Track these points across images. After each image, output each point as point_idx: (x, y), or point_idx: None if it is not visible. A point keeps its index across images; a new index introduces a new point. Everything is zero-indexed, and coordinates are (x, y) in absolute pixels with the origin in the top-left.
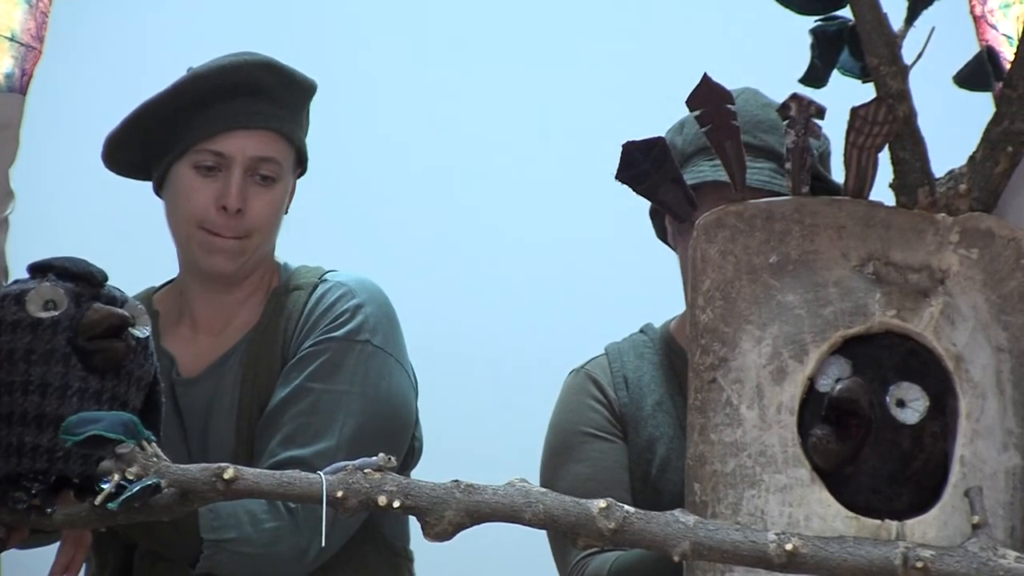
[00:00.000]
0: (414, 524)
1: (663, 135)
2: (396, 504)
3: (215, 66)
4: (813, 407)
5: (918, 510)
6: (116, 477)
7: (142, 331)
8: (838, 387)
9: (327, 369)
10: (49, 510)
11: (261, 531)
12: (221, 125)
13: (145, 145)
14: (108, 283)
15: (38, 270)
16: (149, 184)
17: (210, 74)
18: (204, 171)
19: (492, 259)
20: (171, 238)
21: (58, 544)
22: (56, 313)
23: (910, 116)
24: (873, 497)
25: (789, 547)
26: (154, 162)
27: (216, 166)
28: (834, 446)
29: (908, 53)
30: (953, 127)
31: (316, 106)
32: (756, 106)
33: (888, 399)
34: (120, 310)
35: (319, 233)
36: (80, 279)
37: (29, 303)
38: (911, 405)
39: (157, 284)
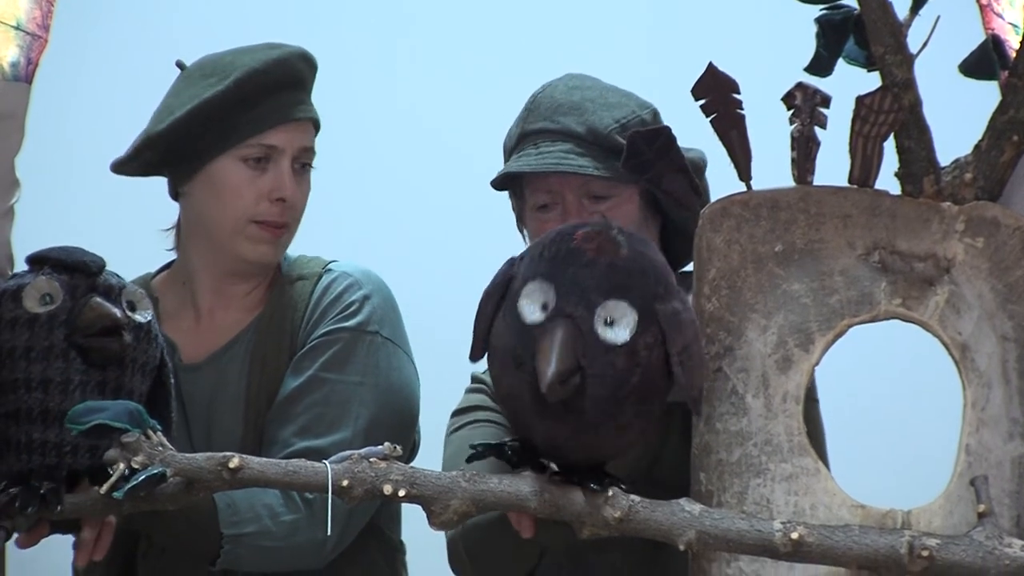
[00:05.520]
0: (406, 516)
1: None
2: (402, 493)
3: (267, 61)
4: (523, 340)
5: (645, 418)
6: (121, 466)
7: (143, 316)
8: (546, 381)
9: (339, 360)
10: (59, 508)
11: (280, 524)
12: (274, 120)
13: (181, 144)
14: (105, 269)
15: (35, 262)
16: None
17: (265, 70)
18: (252, 164)
19: (498, 248)
20: (184, 229)
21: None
22: (52, 307)
23: (915, 105)
24: (602, 419)
25: (795, 536)
26: (185, 160)
27: (264, 158)
28: (565, 389)
29: (913, 42)
30: (958, 116)
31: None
32: (563, 91)
33: (597, 322)
34: (114, 311)
35: (323, 224)
36: (75, 270)
37: (26, 299)
38: (620, 323)
39: (153, 270)
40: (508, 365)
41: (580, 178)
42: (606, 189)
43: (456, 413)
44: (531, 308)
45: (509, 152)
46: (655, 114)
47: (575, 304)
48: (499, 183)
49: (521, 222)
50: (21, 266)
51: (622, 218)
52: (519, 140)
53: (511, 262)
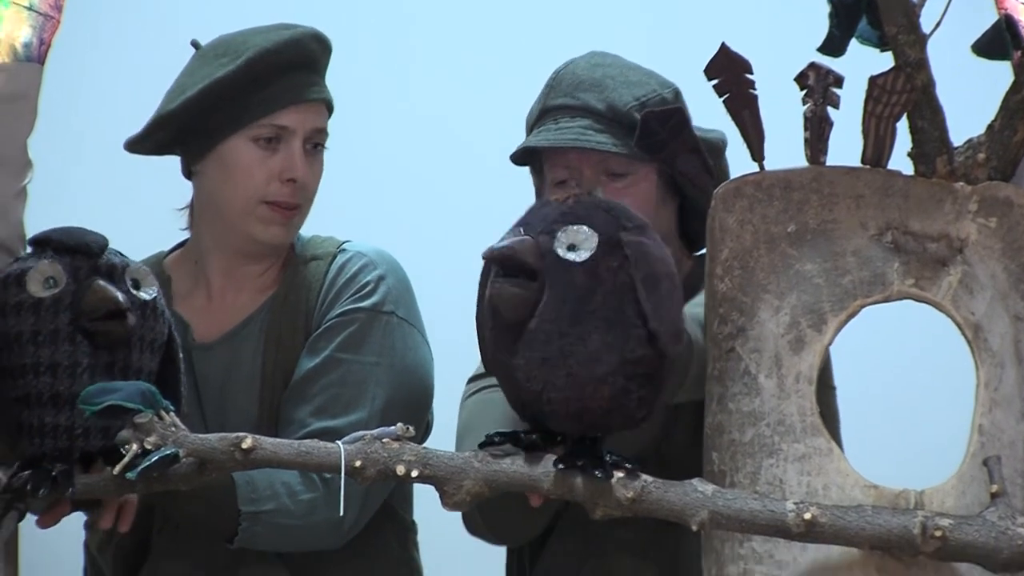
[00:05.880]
0: (417, 495)
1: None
2: (415, 473)
3: (279, 42)
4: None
5: (618, 353)
6: (134, 447)
7: (148, 292)
8: (498, 245)
9: (355, 340)
10: (71, 490)
11: (298, 502)
12: (285, 100)
13: (193, 123)
14: (108, 249)
15: (37, 244)
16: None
17: (277, 50)
18: (264, 144)
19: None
20: (197, 208)
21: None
22: (56, 291)
23: (928, 85)
24: (561, 341)
25: (808, 516)
26: (197, 139)
27: (276, 138)
28: (514, 289)
29: (926, 22)
30: (971, 96)
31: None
32: (585, 67)
33: (557, 245)
34: (116, 294)
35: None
36: (77, 252)
37: (30, 283)
38: (582, 246)
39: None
40: (488, 319)
41: (598, 154)
42: (624, 166)
43: (472, 379)
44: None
45: (530, 127)
46: (676, 93)
47: (538, 233)
48: (519, 158)
49: (540, 198)
50: None
51: (639, 196)
52: (540, 115)
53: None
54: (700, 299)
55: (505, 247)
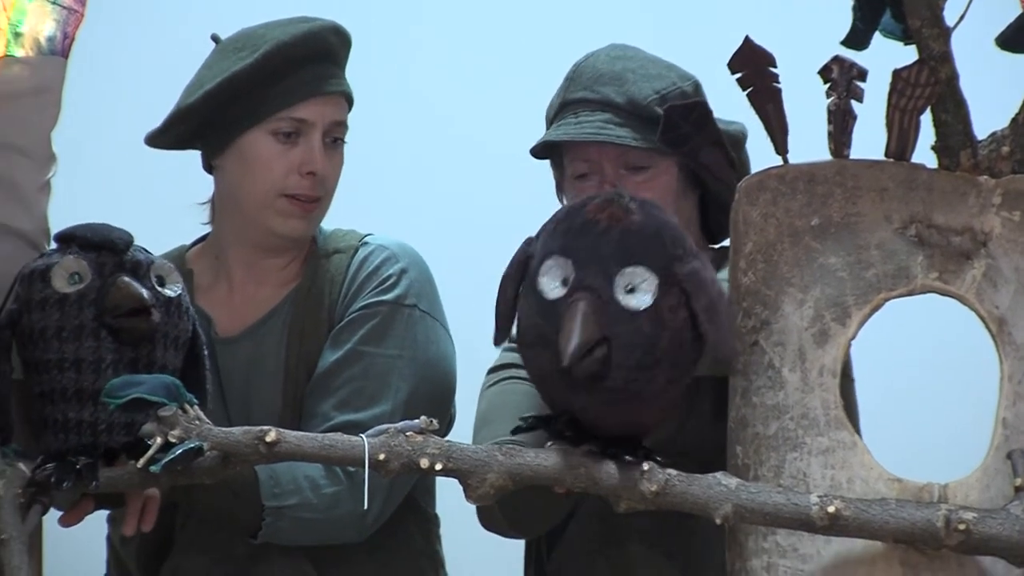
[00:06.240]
0: (440, 488)
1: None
2: (438, 467)
3: (296, 35)
4: (546, 317)
5: (677, 383)
6: (158, 440)
7: (172, 289)
8: (567, 355)
9: (378, 333)
10: (95, 483)
11: (321, 496)
12: (304, 93)
13: (212, 117)
14: (133, 245)
15: (63, 240)
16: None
17: (294, 43)
18: (283, 137)
19: (519, 228)
20: (217, 202)
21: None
22: (81, 287)
23: (952, 78)
24: (629, 385)
25: (831, 509)
26: (216, 133)
27: (295, 132)
28: (597, 357)
29: (950, 15)
30: (995, 89)
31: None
32: (605, 60)
33: (615, 289)
34: (141, 291)
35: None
36: (102, 248)
37: (54, 278)
38: (641, 288)
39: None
40: (535, 344)
41: (618, 148)
42: (644, 160)
43: (492, 370)
44: (551, 285)
45: (550, 121)
46: (696, 86)
47: (594, 275)
48: (539, 152)
49: (560, 191)
50: None
51: (660, 190)
52: (560, 109)
53: (528, 242)
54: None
55: (580, 346)
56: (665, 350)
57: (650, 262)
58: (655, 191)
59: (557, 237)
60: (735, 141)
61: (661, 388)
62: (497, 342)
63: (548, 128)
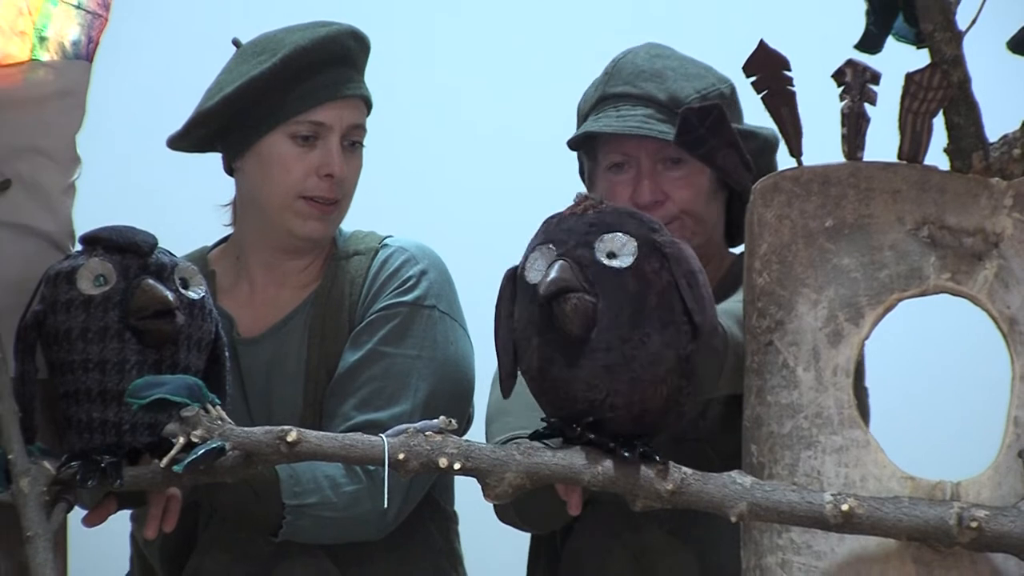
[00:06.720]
0: (458, 486)
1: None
2: (457, 466)
3: (314, 39)
4: (534, 298)
5: (674, 349)
6: (181, 440)
7: (196, 292)
8: (544, 285)
9: (398, 334)
10: (119, 481)
11: (341, 495)
12: (322, 96)
13: (232, 120)
14: (158, 248)
15: (88, 242)
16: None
17: (312, 48)
18: (301, 140)
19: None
20: (238, 204)
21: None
22: (106, 289)
23: (964, 81)
24: (624, 347)
25: (845, 508)
26: (236, 136)
27: (313, 135)
28: (588, 298)
29: (962, 19)
30: (1007, 92)
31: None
32: (644, 58)
33: (598, 255)
34: (166, 293)
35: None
36: (127, 251)
37: (80, 280)
38: (622, 252)
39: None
40: (532, 336)
41: (656, 143)
42: (682, 156)
43: None
44: (536, 273)
45: (585, 114)
46: (733, 88)
47: (574, 247)
48: (575, 143)
49: (590, 182)
50: None
51: (694, 187)
52: (598, 102)
53: (511, 269)
54: (740, 295)
55: (556, 279)
56: (655, 306)
57: (628, 230)
58: (689, 188)
59: (538, 236)
60: (768, 146)
61: (657, 351)
62: (506, 393)
63: (582, 122)
